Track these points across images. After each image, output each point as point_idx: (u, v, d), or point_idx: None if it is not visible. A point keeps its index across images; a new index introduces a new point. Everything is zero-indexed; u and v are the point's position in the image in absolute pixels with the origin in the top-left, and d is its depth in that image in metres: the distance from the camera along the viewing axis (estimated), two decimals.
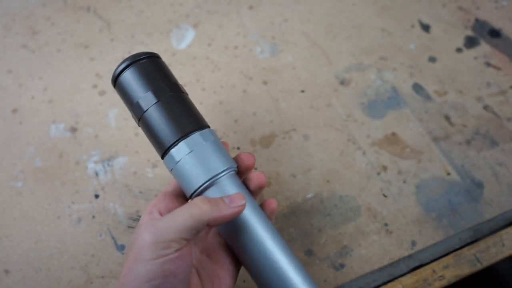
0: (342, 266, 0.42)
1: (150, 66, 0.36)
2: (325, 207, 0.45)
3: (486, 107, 0.51)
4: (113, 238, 0.43)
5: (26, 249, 0.43)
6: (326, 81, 0.53)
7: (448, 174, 0.47)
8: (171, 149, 0.34)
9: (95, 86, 0.52)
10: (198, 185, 0.33)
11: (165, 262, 0.29)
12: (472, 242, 0.44)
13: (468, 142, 0.49)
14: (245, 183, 0.36)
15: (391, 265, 0.43)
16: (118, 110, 0.50)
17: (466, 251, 0.43)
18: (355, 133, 0.49)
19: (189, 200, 0.37)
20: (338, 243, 0.43)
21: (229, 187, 0.34)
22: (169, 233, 0.29)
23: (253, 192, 0.36)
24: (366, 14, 0.59)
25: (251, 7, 0.59)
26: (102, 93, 0.52)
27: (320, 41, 0.56)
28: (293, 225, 0.44)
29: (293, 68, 0.54)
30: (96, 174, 0.47)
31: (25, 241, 0.43)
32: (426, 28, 0.58)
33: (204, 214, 0.30)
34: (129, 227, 0.44)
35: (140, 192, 0.46)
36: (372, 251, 0.43)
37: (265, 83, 0.53)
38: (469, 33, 0.57)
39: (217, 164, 0.34)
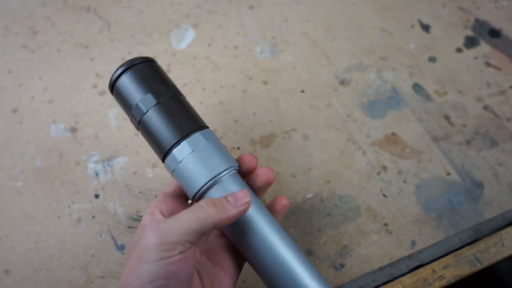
0: (342, 266, 0.42)
1: (147, 70, 0.36)
2: (325, 207, 0.45)
3: (486, 107, 0.51)
4: (113, 238, 0.43)
5: (26, 249, 0.43)
6: (326, 81, 0.53)
7: (448, 174, 0.47)
8: (172, 149, 0.34)
9: (95, 86, 0.52)
10: (202, 184, 0.33)
11: (168, 264, 0.29)
12: (472, 242, 0.44)
13: (468, 142, 0.49)
14: (252, 179, 0.36)
15: (391, 265, 0.43)
16: (118, 110, 0.50)
17: (466, 251, 0.43)
18: (355, 133, 0.49)
19: (191, 201, 0.37)
20: (338, 243, 0.43)
21: (232, 185, 0.34)
22: (174, 235, 0.29)
23: (260, 189, 0.36)
24: (366, 14, 0.59)
25: (251, 7, 0.59)
26: (102, 93, 0.52)
27: (320, 41, 0.56)
28: (293, 225, 0.44)
29: (293, 68, 0.54)
30: (96, 174, 0.47)
31: (25, 241, 0.43)
32: (426, 28, 0.58)
33: (210, 217, 0.30)
34: (129, 227, 0.44)
35: (140, 192, 0.46)
36: (372, 251, 0.43)
37: (265, 83, 0.53)
38: (469, 33, 0.57)
39: (219, 163, 0.34)
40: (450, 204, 0.45)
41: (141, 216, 0.44)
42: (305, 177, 0.47)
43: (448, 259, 0.42)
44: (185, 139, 0.34)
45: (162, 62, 0.54)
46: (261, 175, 0.36)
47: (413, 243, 0.43)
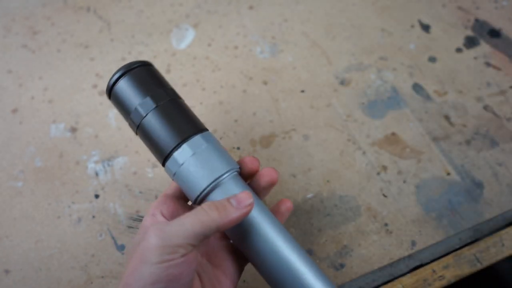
0: (342, 266, 0.42)
1: (144, 74, 0.36)
2: (325, 207, 0.45)
3: (486, 107, 0.51)
4: (113, 238, 0.43)
5: (26, 249, 0.43)
6: (326, 81, 0.53)
7: (448, 174, 0.47)
8: (173, 152, 0.34)
9: (95, 86, 0.52)
10: (204, 186, 0.33)
11: (170, 267, 0.29)
12: (472, 242, 0.44)
13: (468, 142, 0.49)
14: (255, 180, 0.36)
15: (391, 265, 0.43)
16: None
17: (466, 251, 0.43)
18: (355, 133, 0.49)
19: (191, 203, 0.37)
20: (338, 243, 0.43)
21: (234, 187, 0.34)
22: (177, 238, 0.29)
23: (263, 189, 0.36)
24: (366, 14, 0.59)
25: (251, 7, 0.59)
26: (102, 93, 0.52)
27: (320, 41, 0.56)
28: (293, 225, 0.44)
29: (293, 68, 0.54)
30: (96, 174, 0.47)
31: (25, 241, 0.43)
32: (426, 28, 0.58)
33: (212, 221, 0.30)
34: (129, 227, 0.44)
35: (140, 192, 0.46)
36: (372, 251, 0.43)
37: (265, 83, 0.53)
38: (469, 33, 0.57)
39: (221, 165, 0.34)
40: (450, 204, 0.45)
41: (141, 216, 0.44)
42: (305, 177, 0.47)
43: (448, 259, 0.42)
44: (186, 141, 0.34)
45: (162, 62, 0.54)
46: (265, 175, 0.36)
47: (413, 243, 0.43)
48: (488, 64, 0.55)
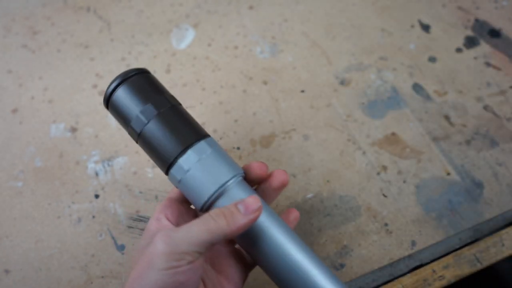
0: (342, 266, 0.42)
1: (142, 81, 0.35)
2: (325, 207, 0.45)
3: (486, 107, 0.51)
4: (113, 238, 0.43)
5: (26, 249, 0.43)
6: (326, 81, 0.53)
7: (448, 174, 0.47)
8: (178, 159, 0.33)
9: (95, 86, 0.52)
10: (212, 192, 0.32)
11: (176, 273, 0.28)
12: (472, 242, 0.44)
13: (468, 142, 0.49)
14: (266, 182, 0.36)
15: (391, 265, 0.43)
16: None
17: (466, 251, 0.43)
18: (355, 133, 0.49)
19: (195, 209, 0.36)
20: (338, 243, 0.43)
21: (241, 192, 0.33)
22: (184, 245, 0.29)
23: (274, 191, 0.36)
24: (366, 14, 0.59)
25: (251, 7, 0.59)
26: (102, 93, 0.52)
27: (320, 41, 0.56)
28: None
29: (293, 68, 0.54)
30: (96, 174, 0.47)
31: (25, 241, 0.43)
32: (426, 28, 0.58)
33: (220, 229, 0.30)
34: (129, 227, 0.44)
35: (140, 192, 0.46)
36: (372, 251, 0.43)
37: (265, 83, 0.53)
38: (469, 33, 0.57)
39: (227, 170, 0.33)
40: (450, 204, 0.45)
41: (142, 216, 0.44)
42: (305, 177, 0.47)
43: (448, 259, 0.42)
44: (190, 147, 0.33)
45: (162, 62, 0.54)
46: (277, 177, 0.35)
47: (413, 243, 0.43)
48: (488, 64, 0.55)
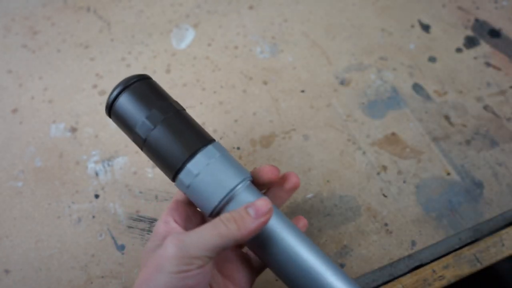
0: (342, 266, 0.42)
1: (144, 87, 0.35)
2: (325, 207, 0.45)
3: (486, 107, 0.51)
4: (113, 238, 0.43)
5: (26, 249, 0.43)
6: (326, 81, 0.53)
7: (448, 174, 0.47)
8: (186, 163, 0.33)
9: (95, 86, 0.52)
10: (222, 196, 0.32)
11: (186, 277, 0.28)
12: (472, 242, 0.44)
13: (468, 142, 0.49)
14: (278, 184, 0.36)
15: (391, 265, 0.43)
16: None
17: (466, 251, 0.43)
18: (355, 133, 0.49)
19: (204, 214, 0.36)
20: (338, 243, 0.43)
21: (250, 196, 0.33)
22: (195, 250, 0.29)
23: (286, 193, 0.36)
24: (366, 14, 0.59)
25: (251, 7, 0.59)
26: (102, 93, 0.52)
27: (320, 41, 0.56)
28: None
29: (293, 68, 0.54)
30: (96, 174, 0.47)
31: (25, 241, 0.43)
32: (426, 28, 0.58)
33: (231, 234, 0.30)
34: (129, 227, 0.44)
35: (140, 192, 0.46)
36: (372, 251, 0.43)
37: (265, 83, 0.53)
38: (469, 33, 0.57)
39: (235, 174, 0.33)
40: (450, 204, 0.45)
41: (142, 216, 0.44)
42: (305, 177, 0.47)
43: (448, 259, 0.42)
44: (199, 152, 0.33)
45: (162, 62, 0.54)
46: (290, 179, 0.35)
47: (413, 243, 0.43)
48: (488, 64, 0.55)
